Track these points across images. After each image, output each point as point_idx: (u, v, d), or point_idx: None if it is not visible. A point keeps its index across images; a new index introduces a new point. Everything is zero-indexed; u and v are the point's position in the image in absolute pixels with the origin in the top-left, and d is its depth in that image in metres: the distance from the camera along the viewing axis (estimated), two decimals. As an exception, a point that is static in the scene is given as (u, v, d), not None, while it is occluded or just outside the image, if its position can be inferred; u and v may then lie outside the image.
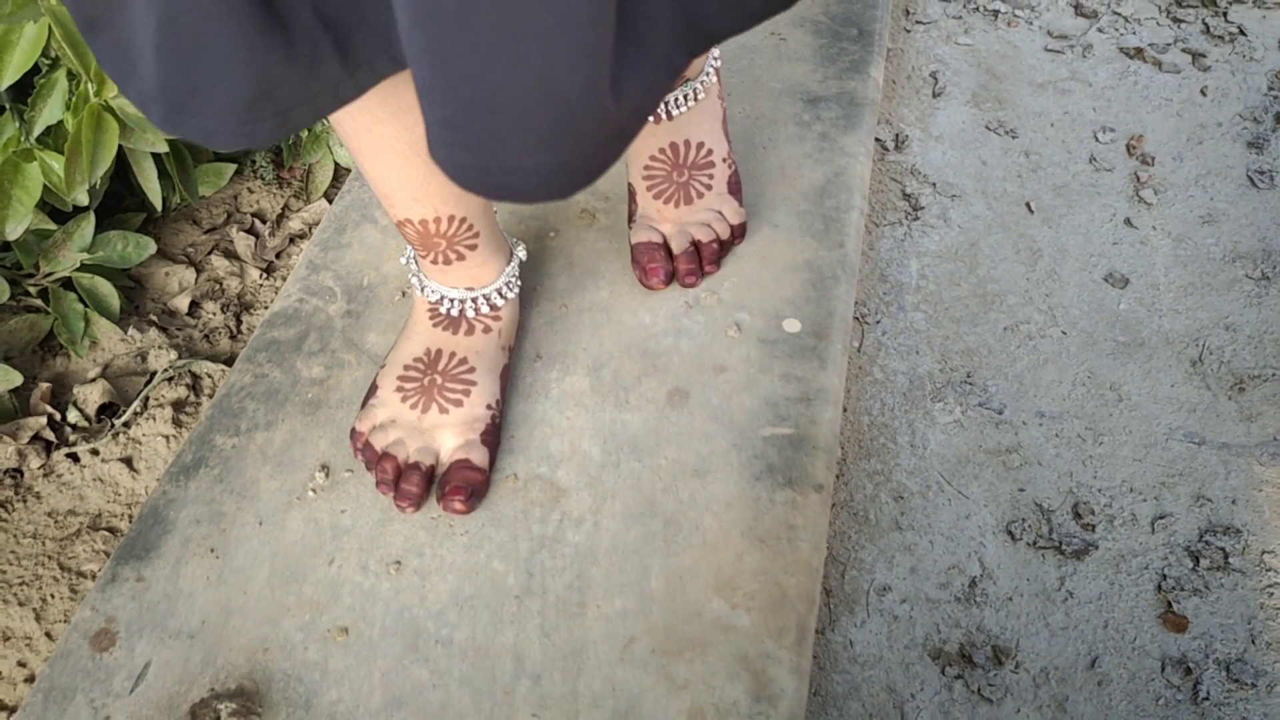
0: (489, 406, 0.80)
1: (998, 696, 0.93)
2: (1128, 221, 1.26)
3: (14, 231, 0.82)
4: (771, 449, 0.78)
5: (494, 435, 0.80)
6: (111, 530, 0.85)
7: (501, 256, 0.82)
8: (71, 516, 0.87)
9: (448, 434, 0.78)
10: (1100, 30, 1.51)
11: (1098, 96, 1.42)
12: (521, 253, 0.85)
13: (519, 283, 0.85)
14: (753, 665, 0.67)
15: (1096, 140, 1.36)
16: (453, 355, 0.80)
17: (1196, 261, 1.22)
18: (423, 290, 0.81)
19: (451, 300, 0.80)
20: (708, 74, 0.90)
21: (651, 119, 0.86)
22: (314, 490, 0.77)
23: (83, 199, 0.85)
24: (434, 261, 0.78)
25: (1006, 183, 1.30)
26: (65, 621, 0.80)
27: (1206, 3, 1.52)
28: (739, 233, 0.96)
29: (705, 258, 0.92)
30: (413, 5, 0.43)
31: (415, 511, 0.76)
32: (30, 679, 0.77)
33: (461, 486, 0.76)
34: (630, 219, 0.95)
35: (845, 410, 1.10)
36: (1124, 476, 1.06)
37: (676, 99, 0.88)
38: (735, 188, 0.96)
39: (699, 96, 0.89)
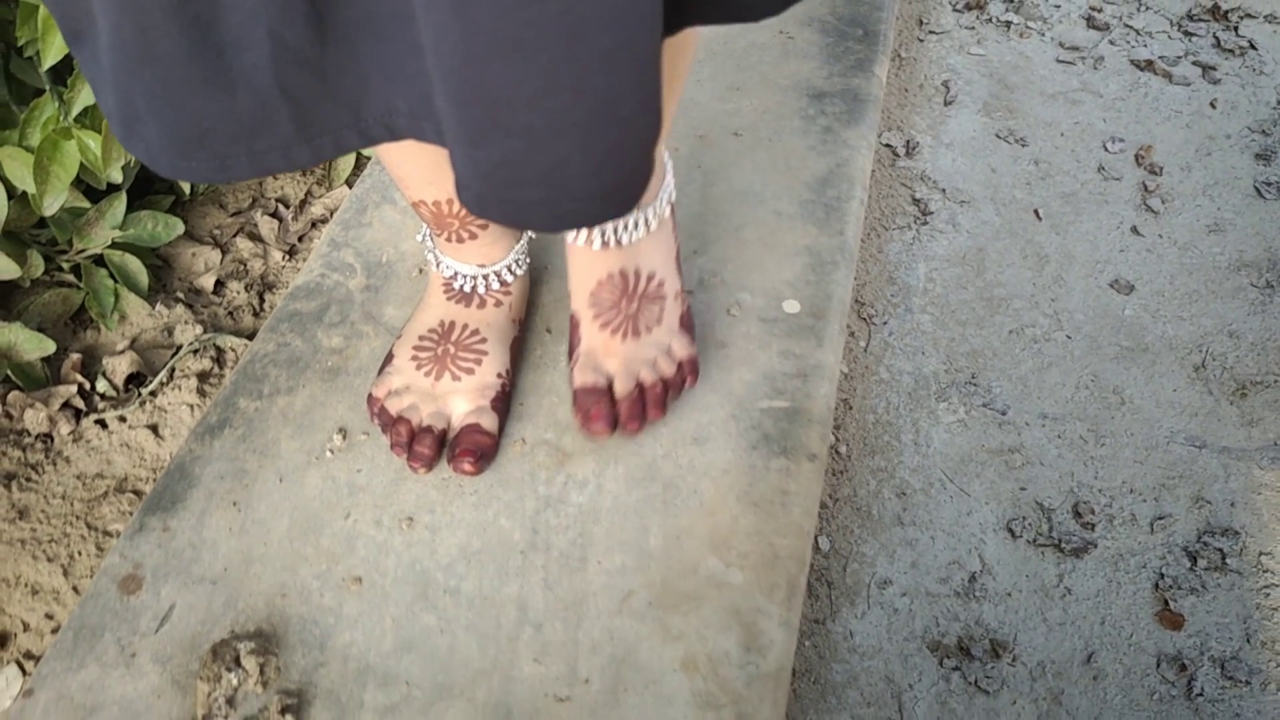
0: (499, 375, 0.88)
1: (994, 689, 0.99)
2: (1134, 230, 1.34)
3: (51, 206, 0.92)
4: (768, 420, 0.87)
5: (504, 402, 0.89)
6: (137, 493, 0.94)
7: (511, 236, 0.91)
8: (99, 479, 0.96)
9: (459, 400, 0.86)
10: (1112, 43, 1.61)
11: (1108, 107, 1.50)
12: (530, 232, 0.94)
13: (528, 260, 0.94)
14: (744, 619, 0.74)
15: (1106, 150, 1.44)
16: (465, 327, 0.89)
17: (1202, 269, 1.30)
18: (438, 266, 0.90)
19: (465, 276, 0.89)
20: (660, 202, 0.87)
21: (599, 245, 0.84)
22: (332, 451, 0.85)
23: (116, 176, 0.94)
24: (448, 239, 0.87)
25: (1015, 190, 1.39)
26: (91, 577, 0.88)
27: (1218, 17, 1.61)
28: (690, 369, 0.88)
29: (650, 401, 0.86)
30: (465, 42, 0.44)
31: (427, 472, 0.84)
32: (57, 630, 0.85)
33: (471, 449, 0.84)
34: (571, 352, 0.89)
35: (851, 408, 1.17)
36: (1124, 477, 1.12)
37: (627, 224, 0.85)
38: (688, 324, 0.91)
39: (651, 226, 0.86)
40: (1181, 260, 1.30)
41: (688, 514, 0.79)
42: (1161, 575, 1.04)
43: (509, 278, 0.91)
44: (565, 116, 0.47)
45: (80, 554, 0.88)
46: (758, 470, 0.82)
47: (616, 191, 0.53)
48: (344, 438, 0.86)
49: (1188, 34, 1.61)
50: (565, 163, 0.50)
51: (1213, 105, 1.50)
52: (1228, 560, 1.06)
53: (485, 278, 0.89)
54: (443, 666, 0.72)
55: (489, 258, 0.89)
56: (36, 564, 0.88)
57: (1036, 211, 1.36)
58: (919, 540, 1.08)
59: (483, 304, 0.89)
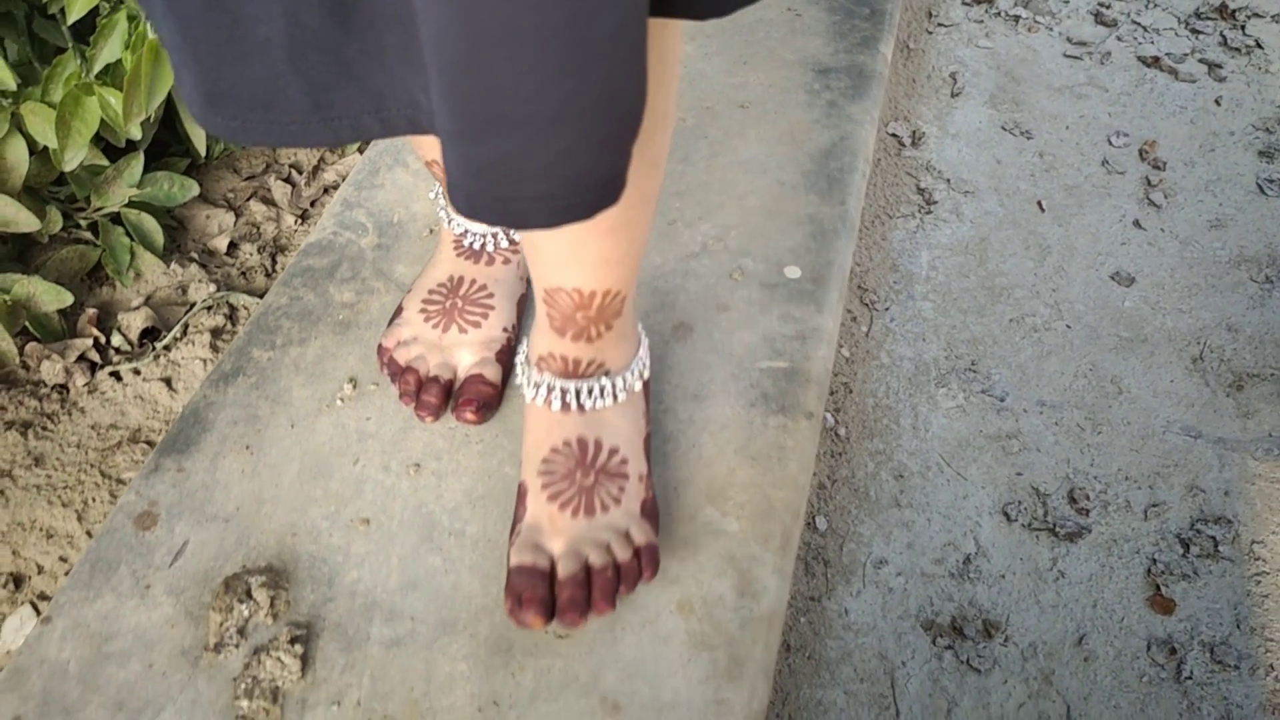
0: (505, 329, 0.94)
1: (986, 667, 1.03)
2: (1137, 223, 1.40)
3: (72, 161, 0.97)
4: (767, 379, 0.92)
5: (508, 355, 0.94)
6: (150, 443, 1.00)
7: None
8: (113, 430, 1.01)
9: (465, 351, 0.92)
10: (1119, 39, 1.67)
11: (1114, 102, 1.57)
12: None
13: None
14: (739, 565, 0.80)
15: (1110, 144, 1.50)
16: (474, 282, 0.94)
17: (1202, 264, 1.36)
18: (449, 223, 0.95)
19: (475, 234, 0.95)
20: (632, 372, 0.83)
21: (559, 407, 0.80)
22: (342, 400, 0.91)
23: (136, 133, 1.00)
24: None
25: (1019, 181, 1.45)
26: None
27: (1225, 15, 1.68)
28: (648, 560, 0.78)
29: (597, 590, 0.76)
30: (470, 33, 0.45)
31: (434, 421, 0.90)
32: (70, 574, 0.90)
33: (474, 399, 0.89)
34: (513, 528, 0.81)
35: (851, 392, 1.23)
36: (1120, 465, 1.17)
37: (592, 390, 0.81)
38: (650, 514, 0.82)
39: (619, 396, 0.82)
40: (1182, 254, 1.36)
41: (686, 465, 0.85)
42: (1154, 561, 1.09)
43: (517, 236, 0.96)
44: (570, 105, 0.48)
45: (94, 500, 0.94)
46: (756, 426, 0.88)
47: (611, 181, 0.54)
48: (354, 387, 0.91)
49: (1195, 31, 1.67)
50: (569, 153, 0.50)
51: (1218, 102, 1.56)
52: (1220, 548, 1.11)
53: (495, 235, 0.95)
54: (447, 603, 0.77)
55: None
56: (51, 509, 0.94)
57: (1040, 203, 1.42)
58: (915, 522, 1.13)
59: (491, 261, 0.95)
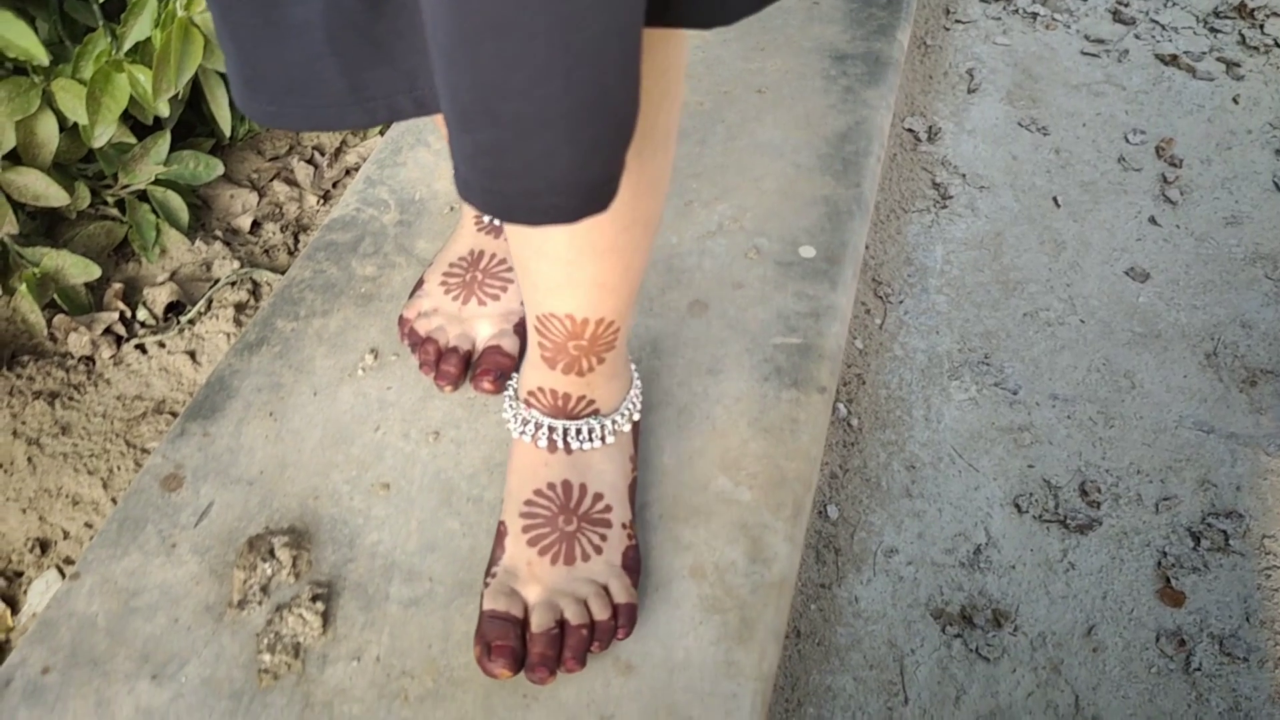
0: (523, 302, 0.99)
1: (995, 656, 1.06)
2: (1152, 219, 1.44)
3: (101, 138, 1.03)
4: (780, 355, 0.97)
5: (525, 327, 0.99)
6: (174, 414, 1.05)
7: None
8: (138, 401, 1.06)
9: (484, 323, 0.96)
10: (1137, 37, 1.72)
11: (1131, 100, 1.61)
12: None
13: None
14: (751, 533, 0.84)
15: (1127, 141, 1.55)
16: (494, 256, 0.99)
17: (1218, 260, 1.39)
18: (470, 199, 1.00)
19: None
20: (623, 414, 0.84)
21: (546, 444, 0.81)
22: (363, 369, 0.96)
23: (164, 109, 1.05)
24: None
25: (1035, 177, 1.49)
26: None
27: (1244, 15, 1.72)
28: (625, 619, 0.78)
29: (569, 648, 0.75)
30: (458, 23, 0.46)
31: (453, 390, 0.94)
32: (94, 539, 0.95)
33: (492, 369, 0.93)
34: (489, 569, 0.81)
35: (864, 383, 1.27)
36: (1132, 459, 1.21)
37: (580, 431, 0.82)
38: (631, 565, 0.82)
39: (607, 439, 0.83)
40: (1198, 251, 1.40)
41: (700, 437, 0.89)
42: (1164, 554, 1.12)
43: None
44: (554, 106, 0.49)
45: (119, 469, 0.99)
46: (769, 399, 0.92)
47: (598, 187, 0.54)
48: (375, 358, 0.96)
49: (1213, 30, 1.72)
50: (551, 154, 0.51)
51: (1235, 101, 1.60)
52: (1231, 542, 1.14)
53: None
54: (464, 565, 0.81)
55: None
56: (77, 476, 0.98)
57: (1055, 199, 1.46)
58: (926, 512, 1.16)
59: None
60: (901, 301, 1.34)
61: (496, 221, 0.99)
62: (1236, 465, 1.20)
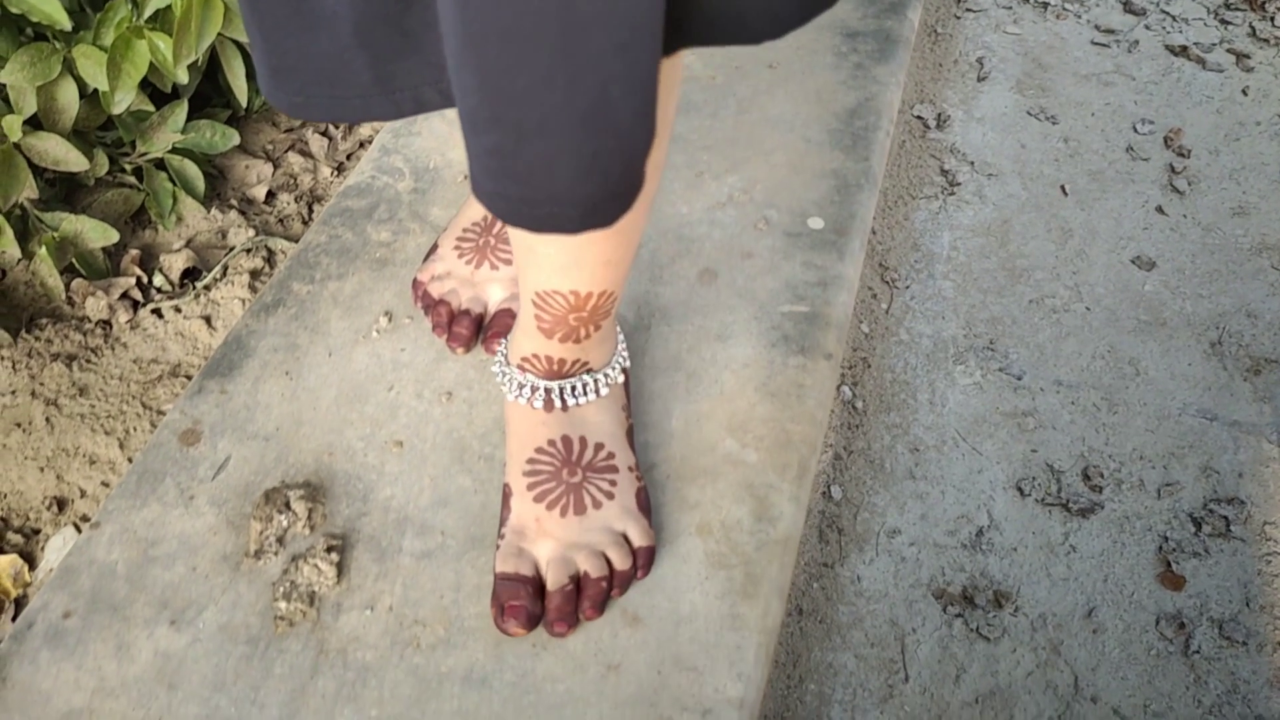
0: (518, 280, 1.03)
1: (995, 636, 1.10)
2: (1159, 209, 1.49)
3: (121, 103, 1.07)
4: (788, 322, 1.02)
5: None
6: (189, 378, 1.09)
7: None
8: (154, 364, 1.11)
9: (496, 287, 1.01)
10: (1147, 27, 1.77)
11: (1140, 90, 1.66)
12: None
13: None
14: (757, 493, 0.89)
15: (1135, 131, 1.59)
16: None
17: (1224, 250, 1.44)
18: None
19: None
20: (613, 368, 0.87)
21: (542, 404, 0.84)
22: (378, 331, 1.01)
23: (183, 77, 1.09)
24: None
25: (1043, 166, 1.54)
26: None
27: (1255, 7, 1.77)
28: (643, 561, 0.83)
29: (588, 598, 0.80)
30: (464, 25, 0.47)
31: (465, 352, 0.99)
32: (110, 499, 1.00)
33: (503, 331, 0.98)
34: (499, 532, 0.84)
35: (869, 366, 1.31)
36: (1135, 445, 1.25)
37: (574, 388, 0.85)
38: (646, 505, 0.86)
39: (600, 391, 0.86)
40: (1204, 240, 1.45)
41: (708, 400, 0.94)
42: (1165, 539, 1.16)
43: None
44: (556, 115, 0.50)
45: (135, 430, 1.04)
46: (776, 365, 0.97)
47: (601, 201, 0.55)
48: (389, 320, 1.01)
49: (1224, 22, 1.77)
50: (551, 163, 0.52)
51: (1244, 92, 1.65)
52: (1232, 528, 1.17)
53: None
54: (476, 520, 0.86)
55: None
56: (95, 436, 1.03)
57: (1063, 187, 1.50)
58: (929, 494, 1.20)
59: None
60: (908, 287, 1.38)
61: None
62: (1239, 453, 1.24)
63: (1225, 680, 1.06)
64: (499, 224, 1.02)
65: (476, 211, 1.04)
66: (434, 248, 1.05)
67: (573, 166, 0.53)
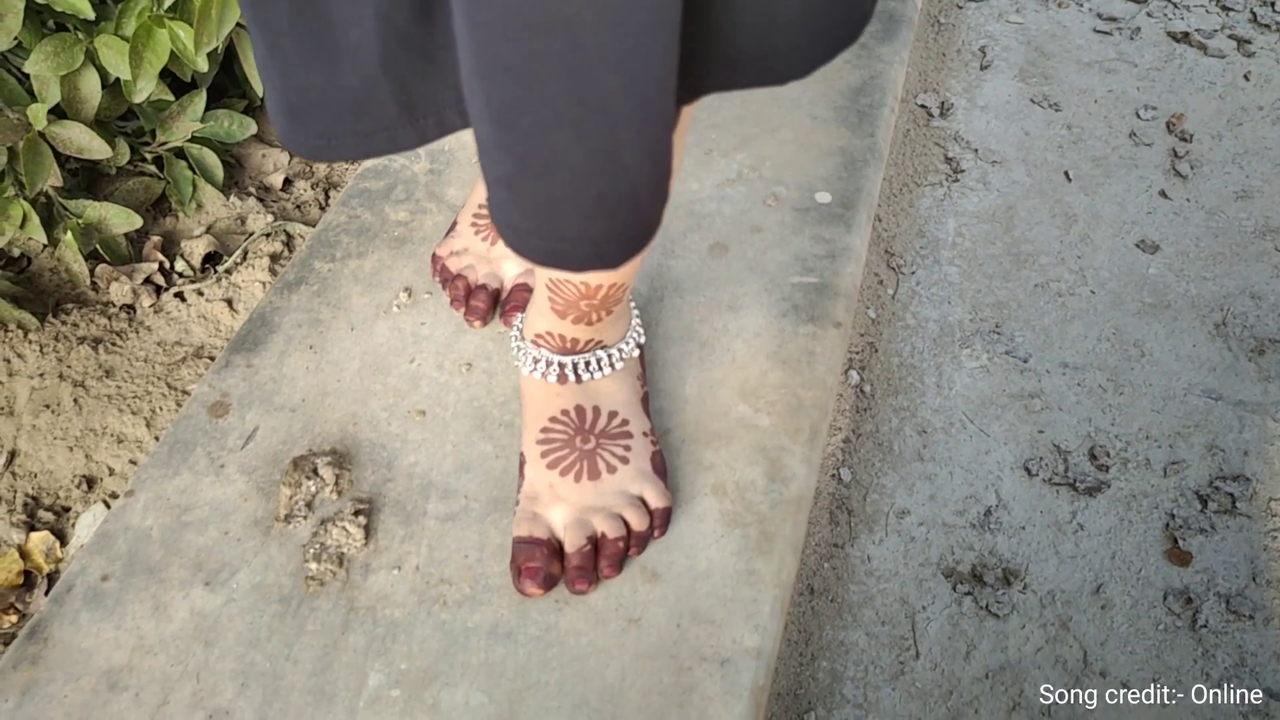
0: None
1: (1004, 613, 1.15)
2: (1163, 193, 1.56)
3: (143, 92, 1.14)
4: (798, 293, 1.09)
5: None
6: (213, 359, 1.16)
7: None
8: (178, 346, 1.18)
9: (511, 263, 1.07)
10: (1149, 15, 1.85)
11: (1142, 77, 1.74)
12: None
13: None
14: (770, 455, 0.95)
15: (1138, 117, 1.67)
16: None
17: (1227, 233, 1.51)
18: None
19: None
20: (627, 343, 0.91)
21: (556, 378, 0.88)
22: (398, 306, 1.08)
23: (203, 65, 1.16)
24: None
25: (1047, 152, 1.61)
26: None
27: (1255, -6, 1.86)
28: (660, 521, 0.89)
29: (605, 557, 0.85)
30: (475, 56, 0.49)
31: (482, 326, 1.06)
32: (137, 477, 1.06)
33: (519, 305, 1.04)
34: (516, 498, 0.91)
35: (876, 351, 1.38)
36: (1141, 425, 1.31)
37: (588, 363, 0.89)
38: (660, 468, 0.91)
39: (615, 366, 0.91)
40: (1208, 224, 1.52)
41: (721, 368, 1.01)
42: (1172, 516, 1.22)
43: None
44: (562, 154, 0.51)
45: (161, 409, 1.11)
46: (787, 334, 1.04)
47: (606, 244, 0.57)
48: (409, 296, 1.08)
49: (1225, 8, 1.85)
50: (556, 201, 0.54)
51: (1246, 78, 1.73)
52: (1238, 504, 1.23)
53: None
54: (498, 483, 0.93)
55: None
56: (122, 416, 1.10)
57: (1067, 173, 1.57)
58: (938, 475, 1.26)
59: None
60: (914, 272, 1.45)
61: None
62: (1244, 431, 1.30)
63: (1233, 654, 1.11)
64: None
65: None
66: (453, 225, 1.12)
67: (578, 206, 0.55)
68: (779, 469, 0.93)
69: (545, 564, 0.84)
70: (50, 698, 0.81)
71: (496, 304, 1.07)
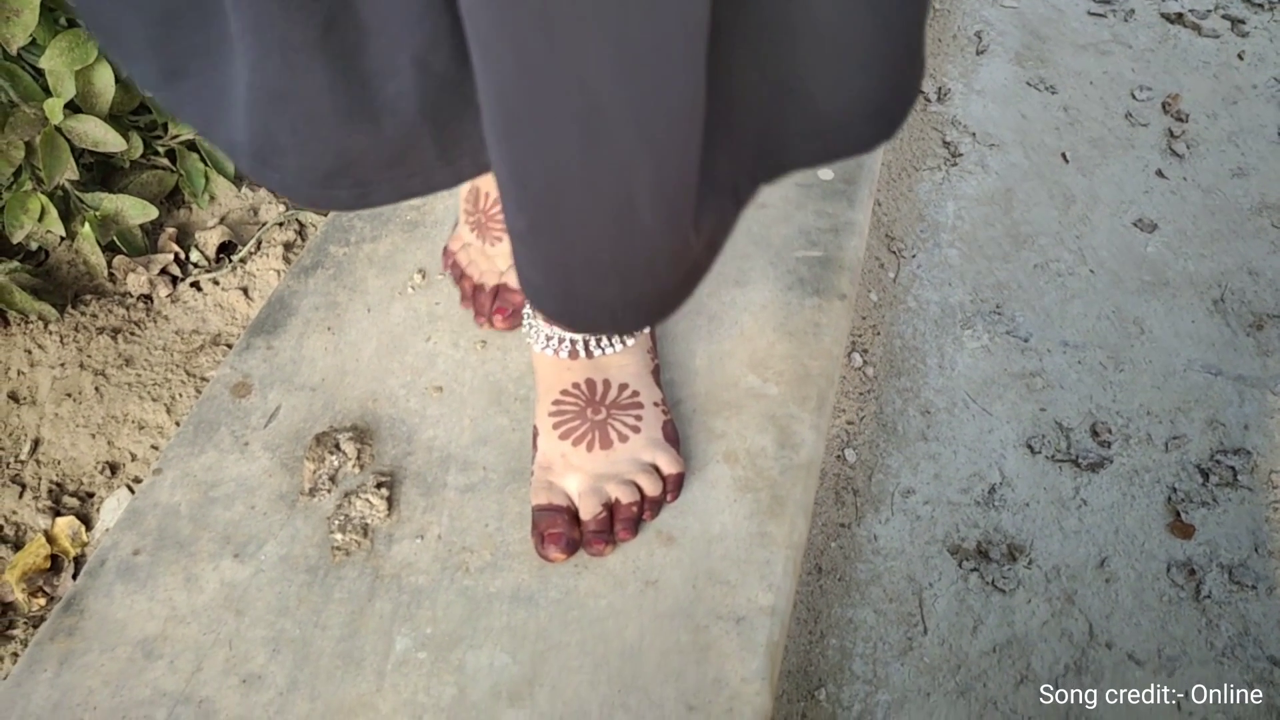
0: None
1: (1010, 588, 1.21)
2: (1160, 173, 1.63)
3: (153, 88, 1.21)
4: (803, 266, 1.15)
5: None
6: (230, 346, 1.23)
7: None
8: (195, 334, 1.24)
9: (502, 260, 1.09)
10: (1143, -3, 1.92)
11: (1137, 58, 1.81)
12: None
13: None
14: (779, 422, 1.02)
15: (1134, 98, 1.74)
16: (487, 195, 1.08)
17: (1224, 211, 1.58)
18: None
19: None
20: None
21: (567, 354, 0.91)
22: (413, 287, 1.14)
23: (214, 62, 1.23)
24: None
25: (1044, 135, 1.68)
26: (187, 419, 1.16)
27: (1247, -25, 1.93)
28: (673, 486, 0.94)
29: (620, 521, 0.90)
30: (491, 107, 0.48)
31: (487, 325, 1.09)
32: (157, 463, 1.12)
33: (505, 306, 1.08)
34: (530, 469, 0.97)
35: (879, 334, 1.44)
36: (1142, 401, 1.37)
37: (600, 340, 0.92)
38: (671, 436, 0.96)
39: (626, 343, 0.94)
40: (1205, 202, 1.58)
41: (729, 341, 1.07)
42: (1174, 490, 1.27)
43: None
44: (573, 215, 0.51)
45: (180, 396, 1.17)
46: (793, 306, 1.10)
47: (627, 309, 0.57)
48: (423, 277, 1.14)
49: (1217, -10, 1.92)
50: (565, 262, 0.54)
51: (1240, 57, 1.80)
52: (1239, 477, 1.28)
53: None
54: (515, 455, 0.99)
55: None
56: (143, 404, 1.16)
57: (1064, 155, 1.64)
58: (941, 454, 1.32)
59: None
60: (914, 256, 1.51)
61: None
62: (1244, 405, 1.36)
63: (1236, 624, 1.16)
64: (481, 197, 1.11)
65: (465, 185, 1.14)
66: (459, 220, 1.18)
67: (591, 270, 0.54)
68: (788, 436, 0.99)
69: (566, 529, 0.89)
70: (87, 667, 0.86)
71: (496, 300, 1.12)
